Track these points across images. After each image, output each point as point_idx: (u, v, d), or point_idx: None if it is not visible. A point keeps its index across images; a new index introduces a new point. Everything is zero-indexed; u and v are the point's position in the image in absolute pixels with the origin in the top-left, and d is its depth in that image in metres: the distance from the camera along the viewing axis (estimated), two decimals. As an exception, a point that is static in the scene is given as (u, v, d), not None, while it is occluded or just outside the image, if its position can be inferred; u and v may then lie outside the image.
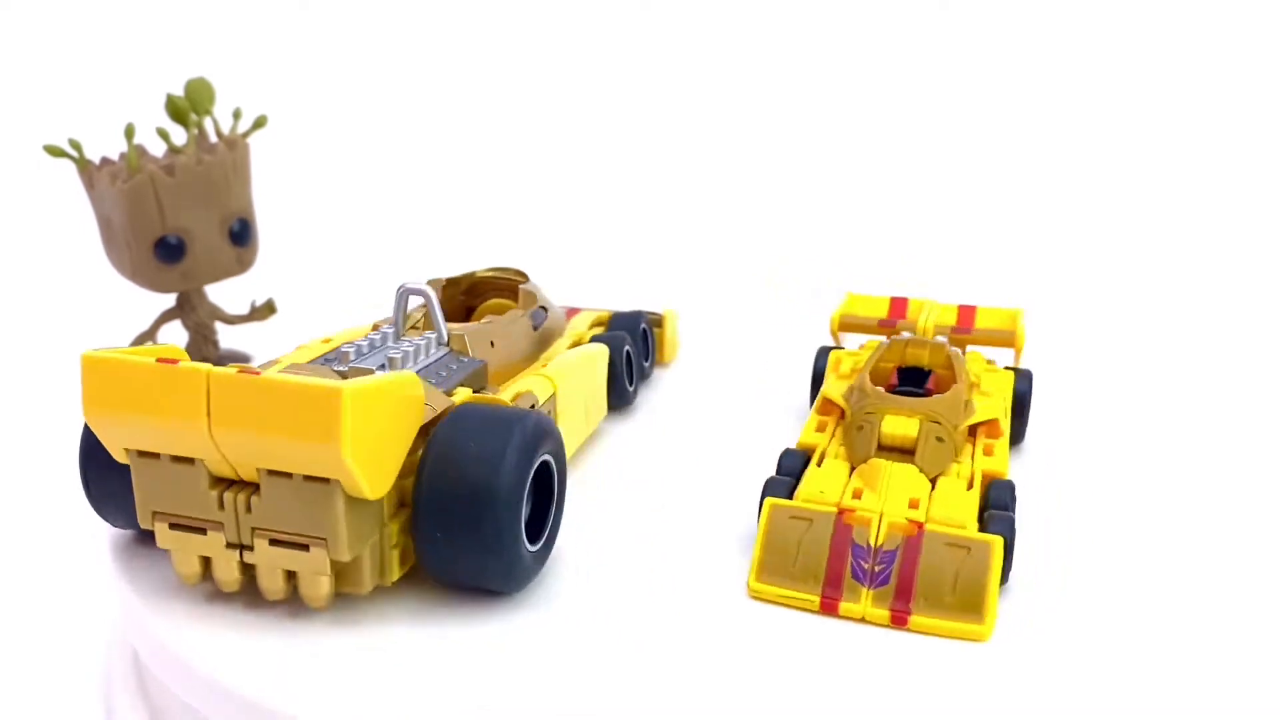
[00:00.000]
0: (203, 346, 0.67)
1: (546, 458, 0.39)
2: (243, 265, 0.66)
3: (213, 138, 0.64)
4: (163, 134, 0.62)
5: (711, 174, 1.15)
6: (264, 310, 0.69)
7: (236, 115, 0.65)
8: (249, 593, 0.39)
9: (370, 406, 0.34)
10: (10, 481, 0.66)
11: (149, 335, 0.66)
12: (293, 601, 0.38)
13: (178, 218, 0.61)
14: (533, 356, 0.52)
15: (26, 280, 0.98)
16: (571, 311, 0.62)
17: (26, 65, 1.09)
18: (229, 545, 0.37)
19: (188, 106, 0.63)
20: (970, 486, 0.41)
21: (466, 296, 0.58)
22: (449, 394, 0.42)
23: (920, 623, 0.37)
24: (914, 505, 0.39)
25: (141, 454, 0.37)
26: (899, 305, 0.57)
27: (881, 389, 0.45)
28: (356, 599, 0.39)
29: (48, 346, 0.85)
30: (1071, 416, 0.56)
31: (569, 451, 0.49)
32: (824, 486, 0.41)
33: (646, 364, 0.60)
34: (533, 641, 0.37)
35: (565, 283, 0.69)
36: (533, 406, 0.44)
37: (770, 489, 0.41)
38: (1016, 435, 0.51)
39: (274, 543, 0.36)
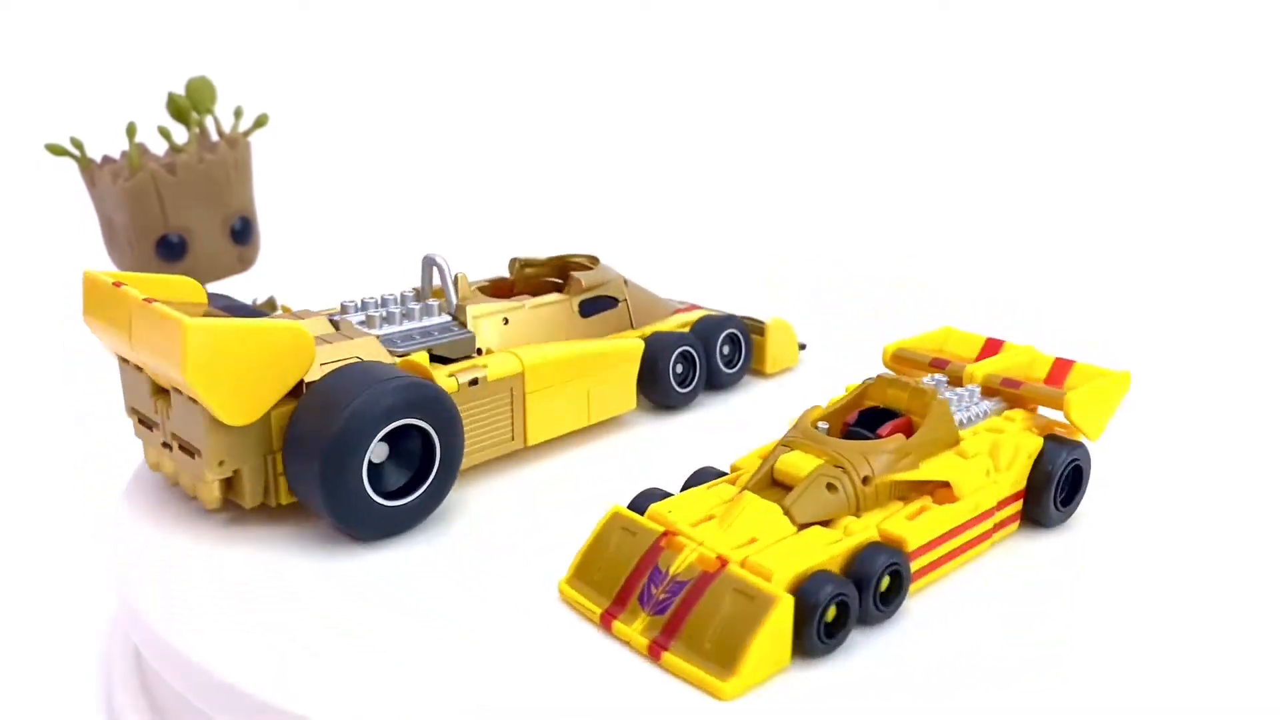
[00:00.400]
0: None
1: (416, 422, 0.42)
2: (244, 264, 0.66)
3: (214, 136, 0.64)
4: (164, 133, 0.62)
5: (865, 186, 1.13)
6: (265, 309, 0.69)
7: (238, 114, 0.65)
8: (248, 591, 0.39)
9: (219, 342, 0.39)
10: (11, 480, 0.65)
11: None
12: (293, 599, 0.38)
13: (179, 216, 0.61)
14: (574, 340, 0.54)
15: (28, 279, 0.98)
16: (689, 308, 0.62)
17: (27, 64, 1.08)
18: (163, 444, 0.44)
19: (189, 105, 0.63)
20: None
21: (559, 277, 0.59)
22: (404, 355, 0.46)
23: (671, 661, 0.34)
24: (750, 544, 0.36)
25: (121, 358, 0.45)
26: (992, 346, 0.51)
27: (819, 425, 0.42)
28: (355, 596, 0.39)
29: (48, 346, 0.85)
30: (1157, 510, 0.46)
31: (547, 433, 0.51)
32: (678, 507, 0.39)
33: (731, 370, 0.59)
34: (514, 638, 0.37)
35: (722, 284, 0.69)
36: (475, 381, 0.47)
37: (635, 500, 0.41)
38: (1037, 514, 0.44)
39: (181, 447, 0.43)
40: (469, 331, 0.49)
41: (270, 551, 0.42)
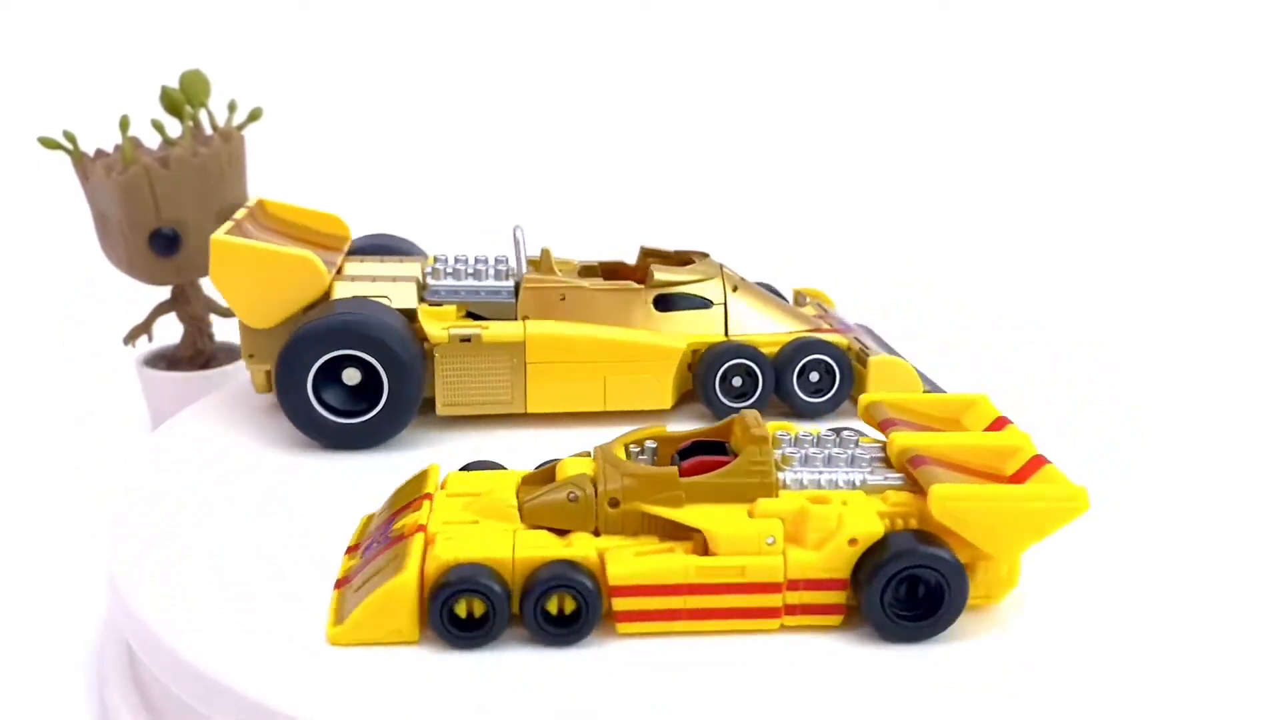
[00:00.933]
0: (197, 339, 0.66)
1: (360, 355, 0.49)
2: (239, 258, 0.65)
3: (208, 130, 0.64)
4: (158, 126, 0.62)
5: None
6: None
7: (232, 108, 0.65)
8: (248, 591, 0.39)
9: (231, 256, 0.51)
10: (6, 478, 0.65)
11: (143, 328, 0.66)
12: (293, 599, 0.38)
13: (173, 210, 0.61)
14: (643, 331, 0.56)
15: (21, 273, 0.97)
16: (843, 330, 0.58)
17: (21, 57, 1.08)
18: None
19: (183, 99, 0.63)
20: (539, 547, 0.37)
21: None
22: (433, 304, 0.53)
23: (332, 598, 0.38)
24: (467, 524, 0.37)
25: None
26: (998, 425, 0.42)
27: (646, 444, 0.41)
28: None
29: (44, 341, 0.85)
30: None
31: (551, 405, 0.54)
32: (467, 480, 0.41)
33: (819, 399, 0.55)
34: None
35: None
36: (467, 339, 0.52)
37: (467, 464, 0.43)
38: (866, 616, 0.37)
39: None
40: (512, 299, 0.54)
41: (270, 551, 0.42)
